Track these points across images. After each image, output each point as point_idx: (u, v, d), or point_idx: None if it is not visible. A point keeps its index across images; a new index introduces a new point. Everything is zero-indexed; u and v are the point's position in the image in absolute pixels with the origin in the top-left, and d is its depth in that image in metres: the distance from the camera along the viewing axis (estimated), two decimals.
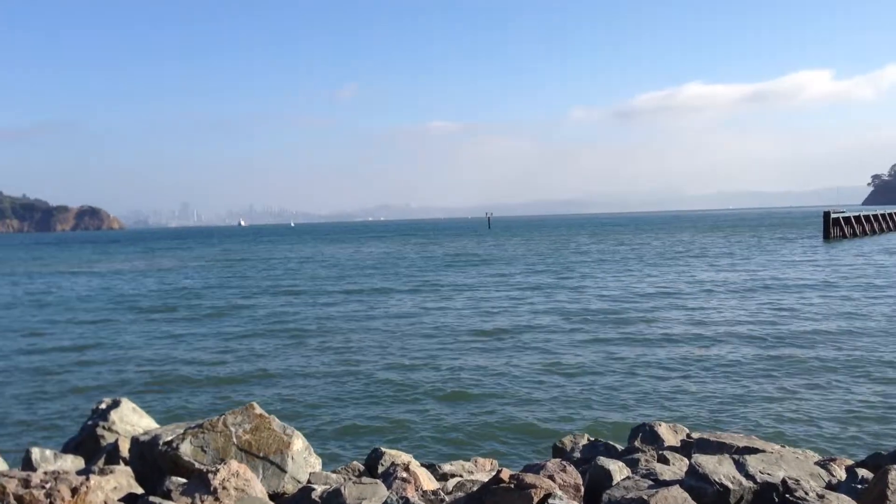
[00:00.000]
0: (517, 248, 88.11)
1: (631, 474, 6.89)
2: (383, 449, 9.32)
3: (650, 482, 6.34)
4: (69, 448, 10.59)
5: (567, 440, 9.69)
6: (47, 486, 7.35)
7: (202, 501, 7.10)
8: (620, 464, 7.23)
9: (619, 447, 9.08)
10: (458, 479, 7.87)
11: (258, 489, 7.30)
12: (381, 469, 8.90)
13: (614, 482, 6.65)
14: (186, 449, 8.02)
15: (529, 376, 19.07)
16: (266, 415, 8.36)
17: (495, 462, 9.18)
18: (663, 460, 7.83)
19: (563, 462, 6.95)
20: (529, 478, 5.95)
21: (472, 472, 8.63)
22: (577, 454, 9.10)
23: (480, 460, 9.12)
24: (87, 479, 7.47)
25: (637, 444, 9.06)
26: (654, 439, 9.26)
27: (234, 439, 8.12)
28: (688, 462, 7.16)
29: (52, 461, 9.33)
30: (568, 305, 32.35)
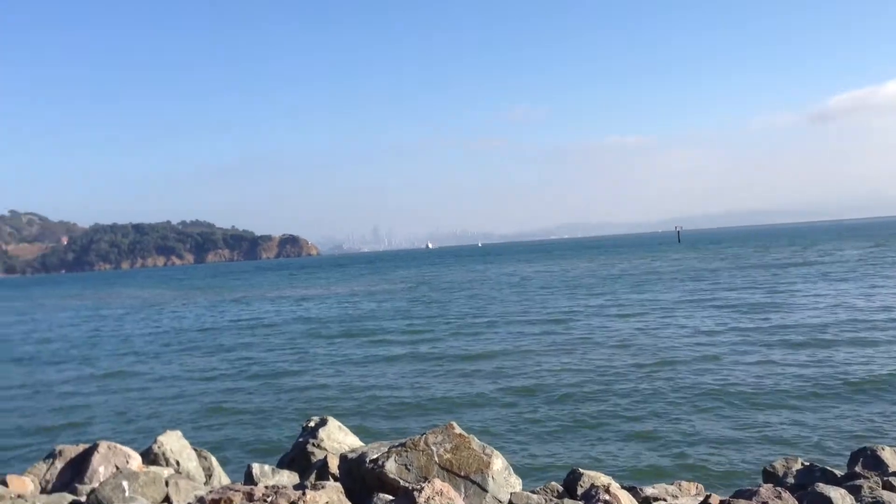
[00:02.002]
0: (712, 261, 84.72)
1: (854, 502, 6.43)
2: (581, 470, 9.23)
3: None
4: (283, 464, 11.28)
5: (779, 464, 9.17)
6: (269, 499, 7.88)
7: None
8: (842, 491, 6.77)
9: (838, 473, 8.48)
10: (662, 502, 7.67)
11: None
12: (580, 490, 8.82)
13: None
14: (391, 467, 8.32)
15: (736, 397, 18.23)
16: (465, 434, 8.52)
17: (701, 486, 8.84)
18: (890, 487, 7.24)
19: (778, 488, 6.60)
20: None
21: (676, 497, 8.37)
22: (790, 479, 8.59)
23: (684, 484, 8.82)
24: (304, 493, 7.94)
25: (858, 469, 8.42)
26: (876, 464, 8.57)
27: (436, 458, 8.33)
28: None
29: (271, 476, 9.96)
30: (775, 324, 30.65)
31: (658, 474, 12.46)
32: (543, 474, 13.15)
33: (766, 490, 6.50)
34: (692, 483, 8.94)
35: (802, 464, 8.99)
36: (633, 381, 20.65)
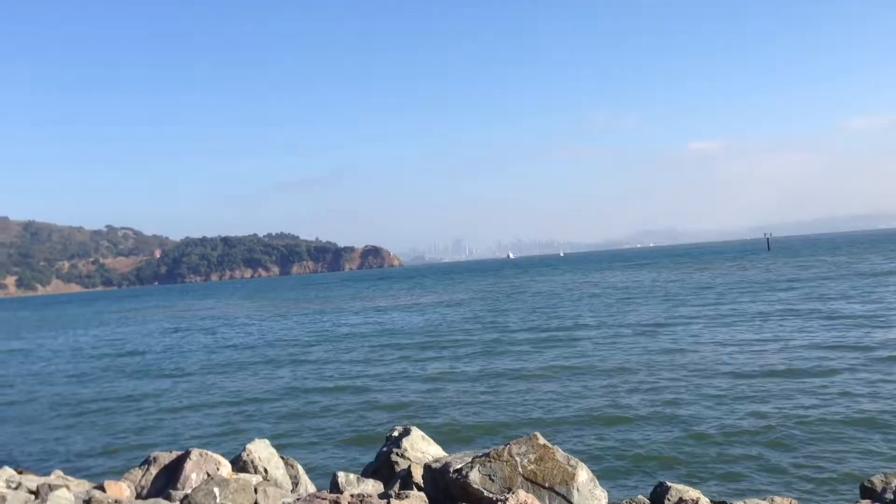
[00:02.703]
0: (804, 269, 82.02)
1: None
2: (669, 483, 9.04)
3: None
4: (367, 472, 11.40)
5: (877, 479, 8.77)
6: None
7: None
8: None
9: None
10: None
11: None
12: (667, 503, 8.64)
13: None
14: (475, 477, 8.30)
15: (832, 410, 17.56)
16: (550, 445, 8.44)
17: (794, 502, 8.53)
18: None
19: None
20: None
21: None
22: (889, 495, 8.21)
23: (777, 499, 8.53)
24: (388, 502, 8.02)
25: None
26: None
27: (520, 469, 8.28)
28: None
29: (356, 485, 10.08)
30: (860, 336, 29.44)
31: (750, 489, 12.08)
32: (629, 487, 12.92)
33: None
34: (786, 498, 8.64)
35: None
36: (725, 394, 20.10)
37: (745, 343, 28.80)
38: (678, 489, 8.73)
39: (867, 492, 8.60)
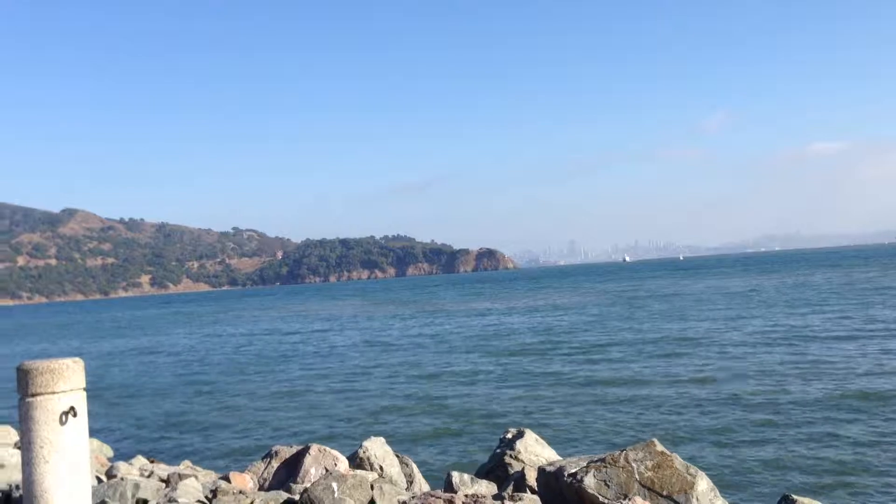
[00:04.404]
0: None
1: None
2: (795, 496, 8.66)
3: None
4: (481, 473, 11.43)
5: None
6: None
7: None
8: None
9: None
10: None
11: None
12: None
13: None
14: (590, 482, 8.19)
15: None
16: (668, 452, 8.24)
17: None
18: None
19: None
20: None
21: None
22: None
23: None
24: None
25: None
26: None
27: (637, 475, 8.12)
28: None
29: (470, 485, 10.12)
30: None
31: None
32: (751, 499, 12.44)
33: None
34: None
35: None
36: (862, 409, 19.06)
37: (876, 356, 27.25)
38: (804, 503, 8.35)
39: None
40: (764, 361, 26.81)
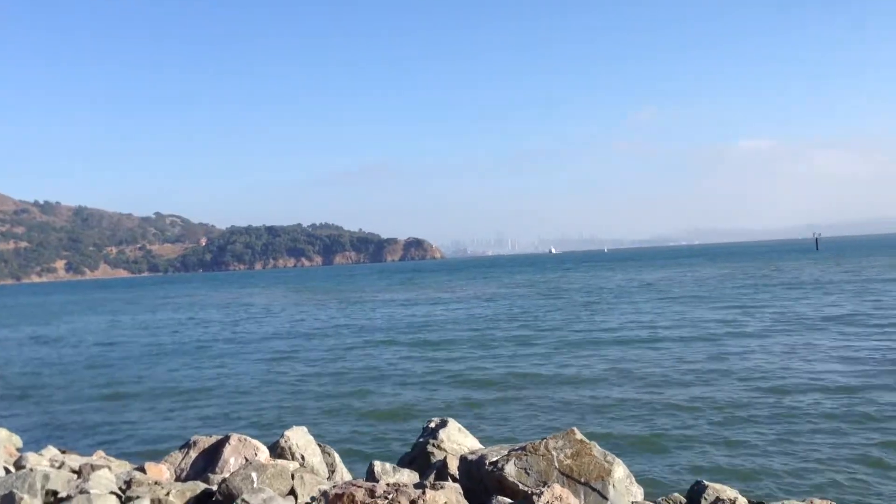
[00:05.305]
0: (857, 271, 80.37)
1: None
2: (706, 482, 8.93)
3: None
4: (404, 462, 11.45)
5: None
6: (389, 496, 8.00)
7: None
8: None
9: None
10: None
11: None
12: (704, 503, 8.54)
13: None
14: (511, 470, 8.29)
15: (868, 408, 17.22)
16: (587, 441, 8.39)
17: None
18: None
19: None
20: None
21: None
22: None
23: (817, 501, 8.37)
24: (424, 493, 8.03)
25: None
26: None
27: (556, 463, 8.24)
28: None
29: (392, 474, 10.13)
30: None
31: (789, 491, 11.88)
32: (666, 485, 12.79)
33: None
34: (826, 501, 8.47)
35: None
36: (767, 396, 19.80)
37: (800, 347, 28.35)
38: (715, 488, 8.62)
39: None
40: (681, 353, 27.59)
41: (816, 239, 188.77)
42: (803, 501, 8.49)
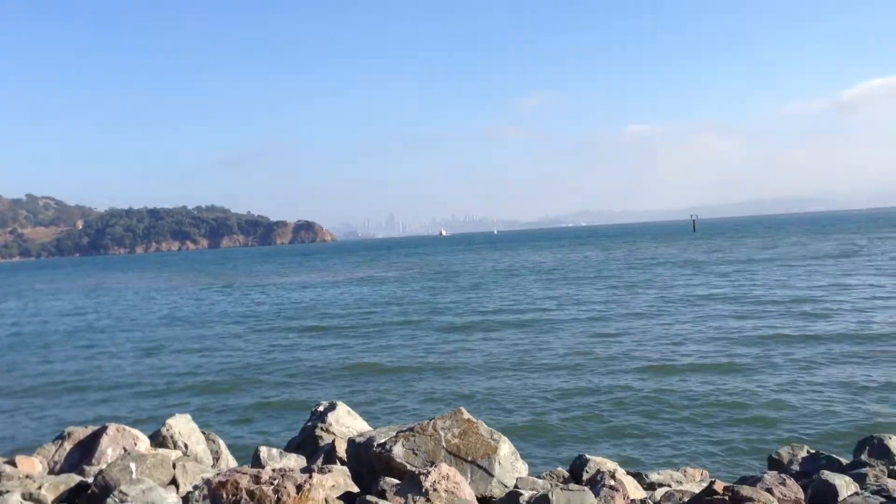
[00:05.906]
0: (721, 252, 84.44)
1: (859, 490, 6.41)
2: (588, 456, 9.23)
3: (882, 499, 5.86)
4: (291, 447, 11.33)
5: (784, 452, 9.12)
6: (275, 482, 7.90)
7: (414, 502, 7.35)
8: (847, 478, 6.73)
9: (844, 461, 8.43)
10: (667, 488, 7.66)
11: (467, 492, 7.45)
12: (586, 476, 8.82)
13: (840, 498, 6.21)
14: (399, 451, 8.33)
15: (739, 389, 18.21)
16: (474, 420, 8.52)
17: (706, 472, 8.83)
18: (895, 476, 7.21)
19: (782, 475, 6.57)
20: (746, 490, 5.69)
21: (680, 483, 8.36)
22: (795, 467, 8.56)
23: (689, 470, 8.81)
24: (310, 477, 7.97)
25: (864, 457, 8.37)
26: (883, 453, 8.52)
27: (444, 443, 8.34)
28: None
29: (278, 459, 10.02)
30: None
31: (665, 463, 12.45)
32: (550, 460, 13.17)
33: (770, 477, 6.47)
34: (697, 469, 8.93)
35: (808, 451, 8.94)
36: (639, 375, 20.63)
37: (665, 326, 29.60)
38: (596, 461, 8.93)
39: (774, 463, 8.94)
40: (566, 334, 28.38)
41: (693, 221, 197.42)
42: (677, 470, 8.91)
